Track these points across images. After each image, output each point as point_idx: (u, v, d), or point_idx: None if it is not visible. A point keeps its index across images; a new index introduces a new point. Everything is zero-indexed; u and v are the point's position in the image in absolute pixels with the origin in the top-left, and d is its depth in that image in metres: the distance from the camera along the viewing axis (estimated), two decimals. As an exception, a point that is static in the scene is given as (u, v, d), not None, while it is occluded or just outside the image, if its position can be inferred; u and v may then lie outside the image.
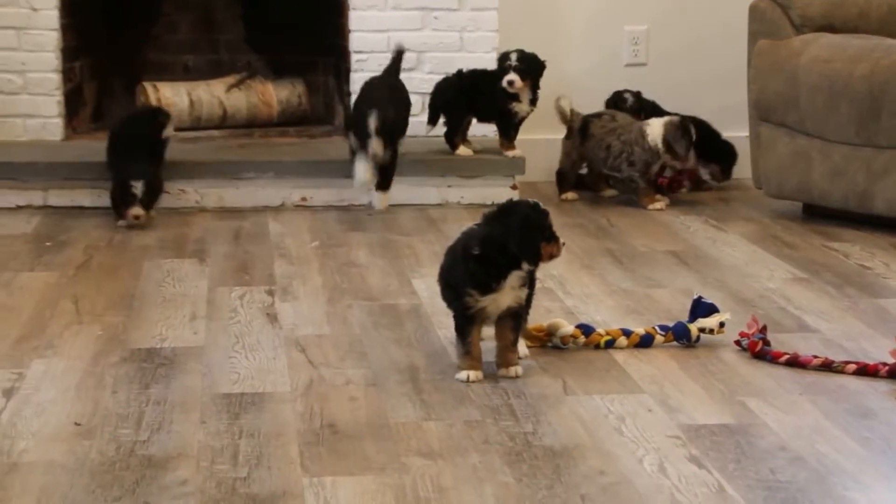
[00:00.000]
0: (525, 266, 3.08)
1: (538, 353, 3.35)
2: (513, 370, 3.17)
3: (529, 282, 3.20)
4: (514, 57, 5.11)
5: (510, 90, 5.11)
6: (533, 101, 5.17)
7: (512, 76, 5.08)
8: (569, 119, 5.30)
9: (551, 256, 3.10)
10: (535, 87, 5.17)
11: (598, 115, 5.29)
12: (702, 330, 3.41)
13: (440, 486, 2.53)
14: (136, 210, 4.66)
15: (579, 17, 5.78)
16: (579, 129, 5.25)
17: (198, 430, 2.82)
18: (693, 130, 5.02)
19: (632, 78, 5.70)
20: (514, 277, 3.07)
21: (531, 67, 5.13)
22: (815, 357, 3.25)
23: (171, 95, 5.56)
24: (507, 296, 3.09)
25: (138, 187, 4.66)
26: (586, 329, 3.40)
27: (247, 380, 3.14)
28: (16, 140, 5.23)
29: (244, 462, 2.64)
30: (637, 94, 5.52)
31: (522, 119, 5.20)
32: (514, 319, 3.17)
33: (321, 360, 3.28)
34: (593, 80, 5.67)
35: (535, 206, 3.10)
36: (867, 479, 2.59)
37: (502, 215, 3.08)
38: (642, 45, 5.77)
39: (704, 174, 5.37)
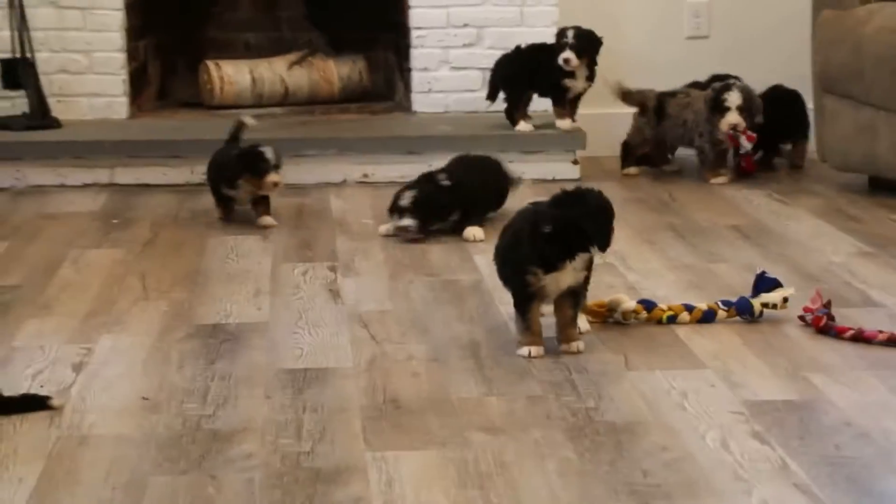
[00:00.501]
0: (593, 249, 3.09)
1: (599, 329, 3.35)
2: (574, 345, 3.18)
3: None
4: (570, 34, 5.08)
5: (566, 68, 5.09)
6: (590, 78, 5.16)
7: (567, 54, 5.06)
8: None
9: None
10: (591, 64, 5.16)
11: (673, 94, 5.26)
12: (765, 305, 3.40)
13: (502, 461, 2.54)
14: (274, 176, 4.47)
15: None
16: (655, 108, 5.23)
17: (262, 404, 2.85)
18: (755, 99, 4.98)
19: (693, 51, 5.67)
20: (580, 259, 3.09)
21: (587, 45, 5.11)
22: (881, 332, 3.22)
23: (233, 73, 5.59)
24: (568, 276, 3.10)
25: (269, 151, 4.48)
26: (648, 304, 3.40)
27: (310, 355, 3.17)
28: (82, 119, 5.28)
29: (308, 436, 2.67)
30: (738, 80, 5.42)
31: (578, 95, 5.20)
32: (574, 297, 3.18)
33: (383, 336, 3.30)
34: (654, 53, 5.66)
35: (602, 194, 3.13)
36: (932, 455, 2.58)
37: (576, 198, 3.09)
38: (704, 18, 5.73)
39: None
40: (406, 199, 4.27)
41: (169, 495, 2.42)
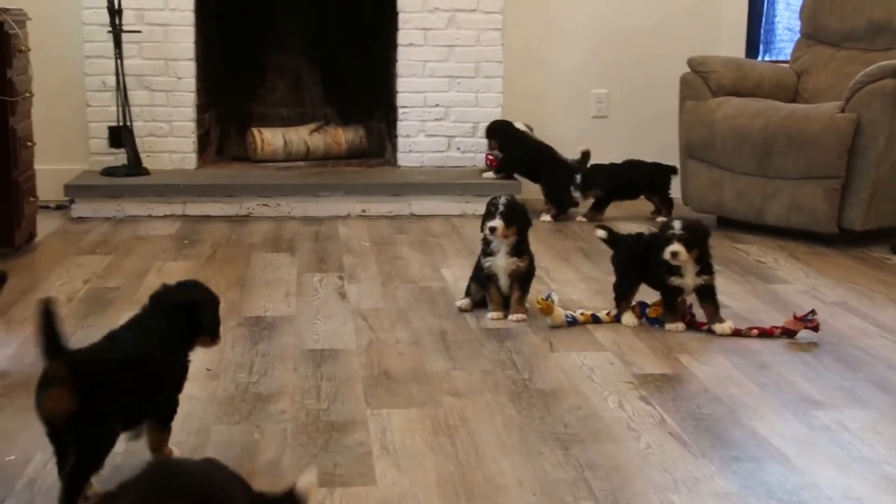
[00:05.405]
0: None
1: (530, 323, 3.31)
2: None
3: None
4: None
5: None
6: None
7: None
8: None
9: None
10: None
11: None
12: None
13: (464, 417, 2.53)
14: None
15: (559, 81, 5.71)
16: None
17: (292, 375, 2.82)
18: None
19: (596, 128, 5.66)
20: None
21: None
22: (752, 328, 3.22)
23: (271, 137, 5.54)
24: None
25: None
26: (571, 318, 3.29)
27: (325, 339, 3.13)
28: (164, 168, 5.22)
29: (325, 398, 2.64)
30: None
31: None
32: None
33: (378, 326, 3.27)
34: (568, 130, 5.60)
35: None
36: (764, 412, 2.58)
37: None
38: (605, 103, 5.72)
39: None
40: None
41: (226, 439, 2.39)
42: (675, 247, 3.17)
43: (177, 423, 2.42)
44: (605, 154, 5.15)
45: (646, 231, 3.49)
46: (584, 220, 4.90)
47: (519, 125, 5.16)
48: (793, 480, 2.20)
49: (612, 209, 5.05)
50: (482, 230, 3.36)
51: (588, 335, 3.19)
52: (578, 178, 4.96)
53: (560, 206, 5.02)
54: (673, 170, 5.00)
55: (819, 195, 4.39)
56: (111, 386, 2.02)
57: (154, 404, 2.19)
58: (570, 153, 5.16)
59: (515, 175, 5.15)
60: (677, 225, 3.20)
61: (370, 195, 5.08)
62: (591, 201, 5.04)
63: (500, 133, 5.12)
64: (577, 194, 4.98)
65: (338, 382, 2.75)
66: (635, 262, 3.34)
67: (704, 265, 3.24)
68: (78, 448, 1.97)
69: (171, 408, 2.25)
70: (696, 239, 3.20)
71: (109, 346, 2.14)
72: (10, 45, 3.99)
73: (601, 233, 3.47)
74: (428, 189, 5.07)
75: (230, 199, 4.99)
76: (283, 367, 2.87)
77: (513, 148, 5.11)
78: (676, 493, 2.14)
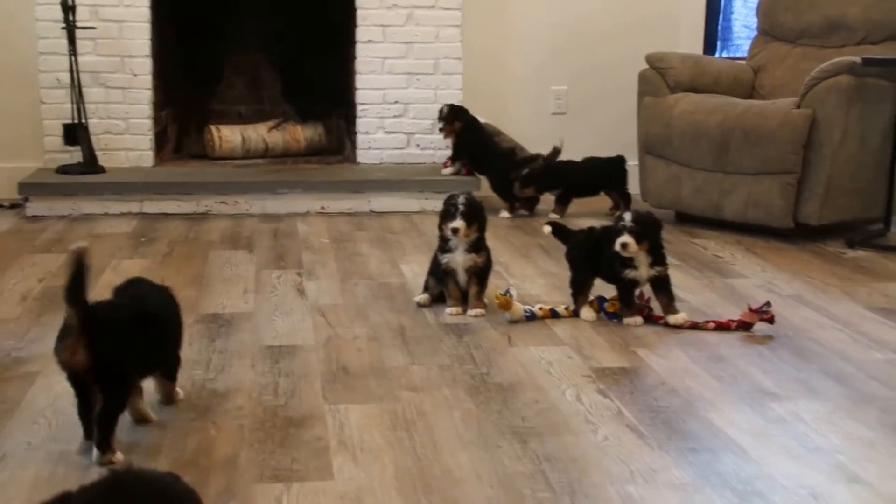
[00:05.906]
0: None
1: (489, 318, 3.32)
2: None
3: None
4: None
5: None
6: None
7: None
8: None
9: None
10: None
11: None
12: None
13: (422, 411, 2.53)
14: None
15: (518, 78, 5.74)
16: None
17: (249, 371, 2.80)
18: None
19: (555, 124, 5.67)
20: None
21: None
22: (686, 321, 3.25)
23: (229, 134, 5.51)
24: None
25: None
26: (529, 313, 3.30)
27: (283, 336, 3.12)
28: (120, 166, 5.17)
29: (282, 394, 2.63)
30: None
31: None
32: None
33: (336, 322, 3.26)
34: (528, 127, 5.63)
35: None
36: (720, 403, 2.60)
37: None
38: (564, 100, 5.75)
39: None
40: None
41: (183, 435, 2.37)
42: (625, 238, 3.20)
43: (131, 421, 2.42)
44: (565, 151, 5.16)
45: (597, 225, 3.50)
46: (557, 216, 4.89)
47: (482, 120, 5.18)
48: (748, 470, 2.22)
49: (573, 206, 5.07)
50: (441, 230, 3.36)
51: (546, 329, 3.20)
52: (524, 172, 4.97)
53: (509, 199, 5.03)
54: (622, 159, 5.01)
55: (775, 190, 4.43)
56: (124, 338, 2.24)
57: (160, 359, 2.45)
58: (530, 149, 5.18)
59: (476, 173, 5.17)
60: (627, 217, 3.23)
61: (329, 192, 5.06)
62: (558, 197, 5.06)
63: (461, 117, 5.12)
64: (515, 187, 4.98)
65: (296, 378, 2.74)
66: (588, 257, 3.37)
67: (657, 256, 3.27)
68: (101, 394, 2.20)
69: (176, 361, 2.53)
70: (645, 231, 3.23)
71: (123, 302, 2.38)
72: (-38, 40, 3.94)
73: (547, 229, 3.52)
74: (387, 186, 5.07)
75: (188, 197, 4.95)
76: (241, 364, 2.85)
77: (468, 135, 5.12)
78: (633, 484, 2.15)
